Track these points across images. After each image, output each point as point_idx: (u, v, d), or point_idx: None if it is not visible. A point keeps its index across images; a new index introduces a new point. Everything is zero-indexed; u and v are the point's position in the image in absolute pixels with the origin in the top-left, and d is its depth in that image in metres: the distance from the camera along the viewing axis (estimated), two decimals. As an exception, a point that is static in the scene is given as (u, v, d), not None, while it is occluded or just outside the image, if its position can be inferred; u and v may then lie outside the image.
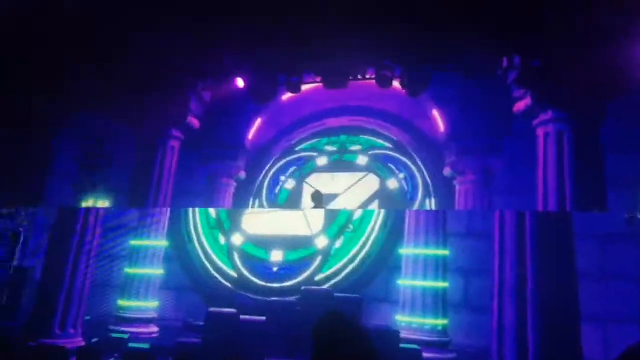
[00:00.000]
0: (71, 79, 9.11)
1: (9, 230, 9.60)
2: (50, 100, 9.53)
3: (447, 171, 8.92)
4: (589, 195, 7.13)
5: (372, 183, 9.50)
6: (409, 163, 9.44)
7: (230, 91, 9.93)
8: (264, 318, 7.70)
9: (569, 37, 7.28)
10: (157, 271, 8.79)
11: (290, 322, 7.58)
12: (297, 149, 10.24)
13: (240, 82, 9.69)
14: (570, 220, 6.86)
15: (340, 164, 9.85)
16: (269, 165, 10.25)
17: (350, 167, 9.76)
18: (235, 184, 10.13)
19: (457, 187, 8.76)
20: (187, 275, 8.82)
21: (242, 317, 7.81)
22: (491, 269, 7.02)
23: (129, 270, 8.85)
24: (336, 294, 7.69)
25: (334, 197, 9.37)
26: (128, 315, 8.57)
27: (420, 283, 7.56)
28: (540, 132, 7.71)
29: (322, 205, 8.42)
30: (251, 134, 10.29)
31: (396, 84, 9.06)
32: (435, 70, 8.64)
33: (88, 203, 10.10)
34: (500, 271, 6.91)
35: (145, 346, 7.92)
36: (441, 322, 7.32)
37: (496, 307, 6.78)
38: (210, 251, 8.91)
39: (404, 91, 9.00)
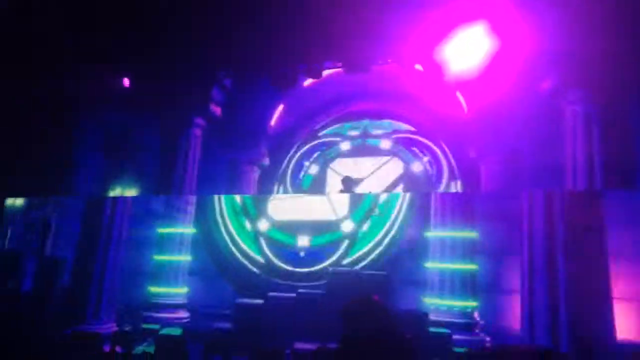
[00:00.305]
0: (96, 67, 9.20)
1: (39, 220, 9.76)
2: (75, 88, 9.63)
3: (472, 153, 8.86)
4: (618, 174, 7.04)
5: (395, 167, 9.48)
6: (433, 146, 9.39)
7: (251, 78, 9.95)
8: (292, 301, 7.79)
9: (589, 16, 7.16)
10: (185, 257, 8.89)
11: (317, 304, 7.67)
12: (320, 134, 10.23)
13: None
14: (599, 199, 6.80)
15: (364, 148, 9.83)
16: (292, 151, 10.26)
17: (374, 151, 9.73)
18: (258, 170, 10.17)
19: (483, 169, 8.69)
20: (214, 261, 8.91)
21: (270, 298, 7.90)
22: (520, 250, 6.98)
23: (158, 257, 8.96)
24: (362, 272, 7.77)
25: (358, 181, 9.36)
26: (158, 301, 8.69)
27: (448, 265, 7.55)
28: (567, 111, 7.62)
29: (351, 190, 8.45)
30: (273, 120, 10.29)
31: (419, 66, 9.01)
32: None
33: (115, 192, 10.21)
34: (530, 252, 6.87)
35: (177, 332, 8.04)
36: (470, 304, 7.32)
37: (526, 288, 6.74)
38: (237, 237, 8.98)
39: (426, 73, 8.96)
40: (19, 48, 9.06)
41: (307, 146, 10.17)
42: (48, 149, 10.10)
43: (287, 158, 10.18)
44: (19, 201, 9.90)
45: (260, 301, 8.03)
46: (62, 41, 8.92)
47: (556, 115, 7.67)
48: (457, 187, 8.91)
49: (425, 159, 9.30)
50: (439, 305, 7.47)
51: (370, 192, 8.78)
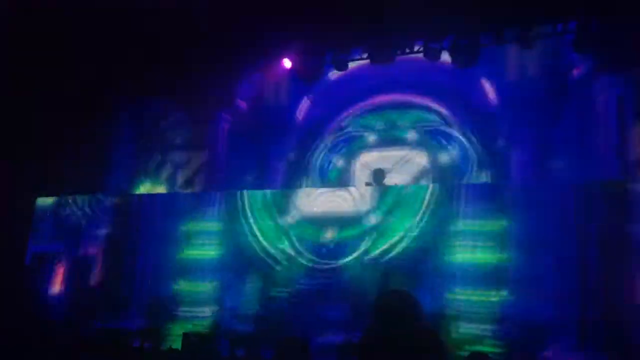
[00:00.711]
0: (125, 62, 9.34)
1: (71, 220, 9.96)
2: (106, 84, 9.79)
3: (500, 143, 8.68)
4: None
5: (423, 158, 9.34)
6: (460, 136, 9.22)
7: (278, 72, 9.95)
8: (318, 294, 7.78)
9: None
10: (213, 253, 8.93)
11: (343, 297, 7.64)
12: (346, 127, 10.16)
13: (287, 63, 9.69)
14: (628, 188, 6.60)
15: (390, 140, 9.71)
16: (318, 144, 10.21)
17: (400, 142, 9.61)
18: (285, 164, 10.16)
19: (511, 159, 8.50)
20: (241, 256, 8.92)
21: (296, 291, 7.91)
22: (552, 241, 6.81)
23: (186, 253, 9.03)
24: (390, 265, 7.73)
25: (386, 173, 9.25)
26: (186, 298, 8.77)
27: (477, 257, 7.39)
28: (599, 98, 7.38)
29: (382, 183, 8.37)
30: (300, 113, 10.27)
31: (445, 56, 8.87)
32: (485, 39, 8.41)
33: (145, 188, 10.35)
34: (562, 243, 6.69)
35: (204, 328, 8.13)
36: (500, 295, 7.15)
37: (558, 280, 6.58)
38: (264, 231, 8.97)
39: (452, 63, 8.81)
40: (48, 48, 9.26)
41: (334, 139, 10.11)
42: (80, 147, 10.29)
43: (314, 151, 10.14)
44: (49, 200, 10.12)
45: (286, 294, 8.01)
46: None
47: (588, 103, 7.46)
48: (487, 177, 8.73)
49: (453, 149, 9.13)
50: (469, 297, 7.31)
51: (396, 184, 8.67)
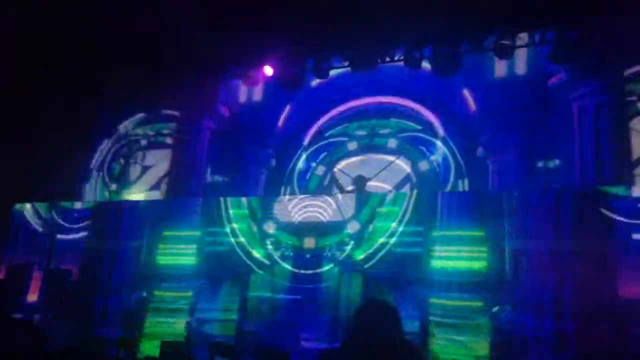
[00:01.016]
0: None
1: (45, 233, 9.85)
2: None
3: (480, 151, 8.71)
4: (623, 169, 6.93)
5: (403, 166, 9.35)
6: (440, 144, 9.25)
7: (259, 79, 9.91)
8: (297, 303, 7.74)
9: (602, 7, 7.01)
10: (190, 260, 8.87)
11: (323, 305, 7.62)
12: (327, 134, 10.13)
13: (268, 70, 9.65)
14: (606, 195, 6.70)
15: (371, 147, 9.71)
16: (299, 152, 10.18)
17: (381, 150, 9.61)
18: (265, 172, 10.11)
19: (490, 167, 8.54)
20: (220, 263, 8.88)
21: (276, 300, 7.88)
22: (530, 249, 6.89)
23: (162, 260, 8.96)
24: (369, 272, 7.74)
25: (367, 181, 9.24)
26: (162, 306, 8.69)
27: (456, 264, 7.43)
28: (575, 106, 7.47)
29: (364, 190, 8.36)
30: (281, 121, 10.24)
31: (425, 64, 8.89)
32: (466, 49, 8.47)
33: (121, 196, 10.25)
34: (539, 250, 6.77)
35: (180, 336, 8.04)
36: (478, 303, 7.19)
37: (537, 284, 6.66)
38: (243, 239, 8.93)
39: (433, 72, 8.84)
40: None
41: (314, 147, 10.08)
42: (59, 154, 10.15)
43: (294, 159, 10.10)
44: (26, 210, 10.01)
45: (266, 302, 7.98)
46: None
47: (565, 111, 7.54)
48: (464, 186, 8.75)
49: (433, 157, 9.16)
50: (445, 304, 7.35)
51: (376, 192, 8.67)
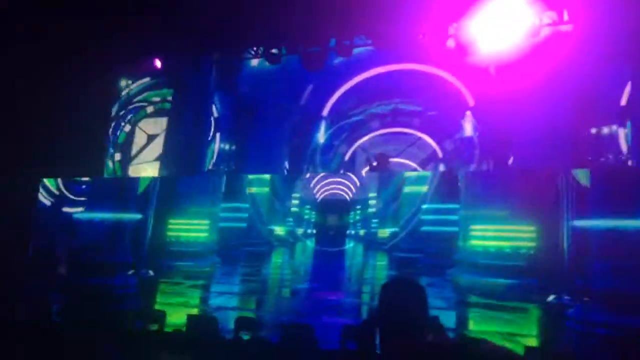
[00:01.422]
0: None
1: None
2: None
3: (504, 131, 8.64)
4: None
5: (426, 145, 9.36)
6: (464, 123, 9.21)
7: (282, 57, 9.89)
8: (321, 281, 7.85)
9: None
10: (208, 235, 9.00)
11: (346, 282, 7.70)
12: (350, 113, 10.14)
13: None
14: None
15: (394, 126, 9.70)
16: (322, 130, 10.19)
17: (404, 129, 9.60)
18: (288, 150, 10.15)
19: (515, 147, 8.46)
20: (243, 241, 8.94)
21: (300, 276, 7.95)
22: (554, 226, 6.80)
23: (179, 236, 9.07)
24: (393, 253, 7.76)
25: (389, 159, 9.27)
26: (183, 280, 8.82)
27: (481, 243, 7.40)
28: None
29: (386, 168, 8.37)
30: (304, 99, 10.25)
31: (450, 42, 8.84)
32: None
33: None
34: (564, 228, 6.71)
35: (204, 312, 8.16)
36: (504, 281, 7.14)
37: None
38: (266, 217, 9.00)
39: (458, 49, 8.78)
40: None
41: (337, 125, 10.10)
42: (83, 131, 10.16)
43: (317, 137, 10.13)
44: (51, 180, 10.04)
45: (288, 277, 8.09)
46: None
47: (594, 93, 7.45)
48: (489, 165, 8.74)
49: (457, 136, 9.14)
50: (474, 282, 7.26)
51: (400, 171, 8.70)
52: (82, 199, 9.89)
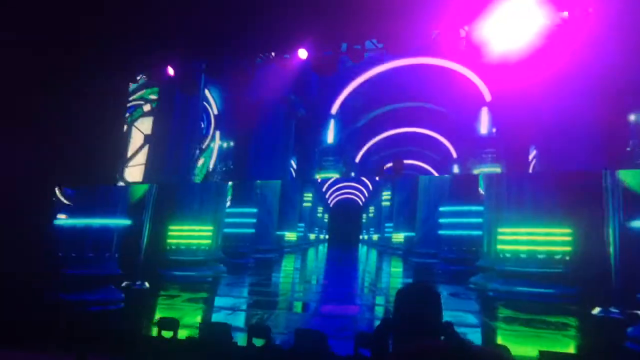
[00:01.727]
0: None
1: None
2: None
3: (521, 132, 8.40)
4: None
5: (440, 145, 9.18)
6: (480, 125, 9.05)
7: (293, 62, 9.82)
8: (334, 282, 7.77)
9: None
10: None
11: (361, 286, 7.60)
12: (360, 112, 9.97)
13: (302, 54, 9.55)
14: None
15: (406, 126, 9.54)
16: (331, 129, 10.01)
17: (417, 129, 9.43)
18: (295, 149, 9.94)
19: (533, 148, 8.23)
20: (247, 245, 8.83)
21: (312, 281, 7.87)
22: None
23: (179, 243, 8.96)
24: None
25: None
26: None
27: (510, 247, 7.03)
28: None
29: (400, 170, 8.27)
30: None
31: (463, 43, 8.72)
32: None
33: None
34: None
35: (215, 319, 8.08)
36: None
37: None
38: (274, 220, 8.89)
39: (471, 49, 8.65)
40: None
41: (348, 130, 9.97)
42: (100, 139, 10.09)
43: (326, 137, 9.94)
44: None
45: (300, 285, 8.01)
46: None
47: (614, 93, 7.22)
48: (508, 163, 8.53)
49: (472, 136, 8.97)
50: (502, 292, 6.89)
51: (414, 174, 8.59)
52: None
